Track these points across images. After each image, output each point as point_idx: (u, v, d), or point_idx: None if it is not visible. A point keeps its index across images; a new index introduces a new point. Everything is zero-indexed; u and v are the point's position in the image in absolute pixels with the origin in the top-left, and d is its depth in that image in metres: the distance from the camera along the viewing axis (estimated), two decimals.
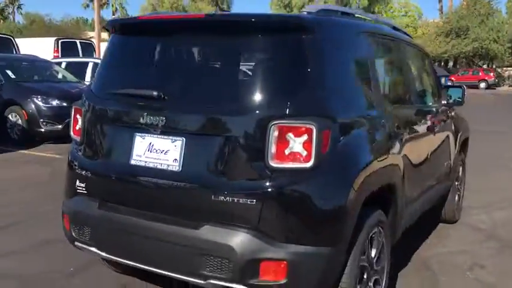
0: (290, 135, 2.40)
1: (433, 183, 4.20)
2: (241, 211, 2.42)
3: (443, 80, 26.40)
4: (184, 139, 2.60)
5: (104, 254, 2.87)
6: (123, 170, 2.77)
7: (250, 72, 2.65)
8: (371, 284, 2.96)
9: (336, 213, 2.49)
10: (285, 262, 2.39)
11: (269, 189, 2.39)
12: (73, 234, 2.96)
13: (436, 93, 4.46)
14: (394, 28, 3.99)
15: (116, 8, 54.88)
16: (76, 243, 2.98)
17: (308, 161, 2.39)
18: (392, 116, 3.16)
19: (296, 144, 2.40)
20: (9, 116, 9.73)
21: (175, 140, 2.61)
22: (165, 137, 2.64)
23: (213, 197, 2.46)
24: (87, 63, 12.85)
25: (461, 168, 5.32)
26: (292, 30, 2.59)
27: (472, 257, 4.32)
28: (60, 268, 3.78)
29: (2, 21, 56.60)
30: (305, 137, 2.39)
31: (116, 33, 3.06)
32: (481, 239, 4.82)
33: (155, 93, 2.64)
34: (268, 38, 2.58)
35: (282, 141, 2.40)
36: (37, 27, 51.14)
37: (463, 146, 5.22)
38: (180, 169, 2.58)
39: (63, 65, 12.71)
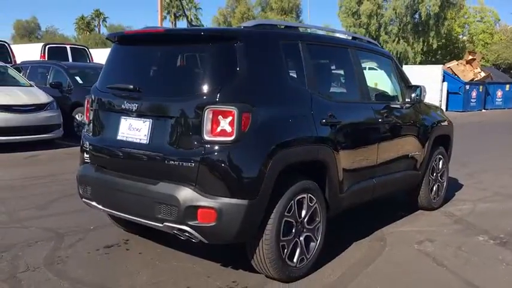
0: (220, 116, 3.32)
1: (390, 171, 4.91)
2: (185, 172, 3.37)
3: (507, 87, 25.81)
4: (151, 120, 3.60)
5: (100, 206, 3.92)
6: (112, 144, 3.82)
7: (195, 71, 3.62)
8: (302, 238, 3.80)
9: (252, 176, 3.36)
10: (214, 209, 3.31)
11: (203, 156, 3.32)
12: (80, 192, 4.05)
13: (399, 92, 5.17)
14: (354, 38, 4.81)
15: (191, 19, 57.60)
16: (83, 199, 4.07)
17: (231, 136, 3.30)
18: (322, 108, 3.96)
19: (224, 123, 3.32)
20: (76, 116, 11.30)
21: (146, 121, 3.62)
22: (140, 118, 3.66)
23: (166, 161, 3.43)
24: None
25: (441, 162, 5.93)
26: (226, 40, 3.52)
27: (428, 235, 4.98)
28: (85, 226, 4.90)
29: (88, 32, 61.10)
30: (230, 118, 3.31)
31: (115, 43, 4.13)
32: (448, 223, 5.44)
33: (131, 86, 3.68)
34: (208, 45, 3.53)
35: (214, 121, 3.32)
36: None
37: (440, 142, 5.86)
38: (148, 142, 3.58)
39: None
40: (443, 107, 22.30)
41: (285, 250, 3.66)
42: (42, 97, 10.33)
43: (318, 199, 3.90)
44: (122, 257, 4.22)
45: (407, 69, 23.22)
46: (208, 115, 3.33)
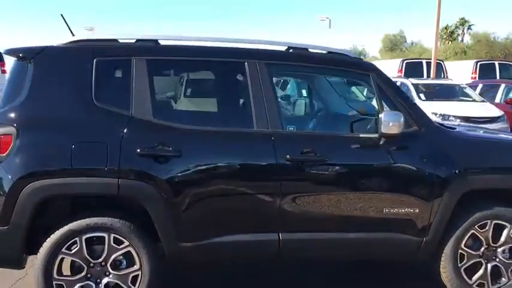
0: None
1: (329, 227, 3.60)
2: None
3: None
4: None
5: None
6: None
7: None
8: (102, 284, 3.29)
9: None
10: None
11: None
12: None
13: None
14: (290, 48, 3.68)
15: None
16: None
17: None
18: (147, 136, 3.29)
19: None
20: None
21: None
22: None
23: None
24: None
25: (505, 231, 3.78)
26: (21, 58, 3.37)
27: None
28: None
29: (449, 42, 59.57)
30: None
31: None
32: None
33: None
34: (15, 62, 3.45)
35: None
36: (479, 46, 51.48)
37: (498, 198, 3.82)
38: None
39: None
40: None
41: None
42: None
43: (131, 242, 3.29)
44: None
45: None
46: None
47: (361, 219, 3.62)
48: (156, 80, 3.49)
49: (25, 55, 3.38)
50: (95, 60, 3.38)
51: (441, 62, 18.54)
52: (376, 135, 3.56)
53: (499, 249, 3.82)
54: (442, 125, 4.16)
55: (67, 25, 3.90)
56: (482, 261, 3.81)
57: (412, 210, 3.63)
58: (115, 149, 3.25)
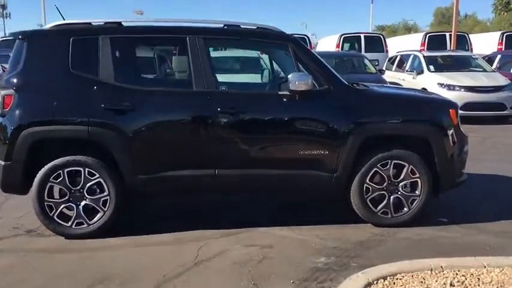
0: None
1: (253, 165, 4.54)
2: None
3: None
4: None
5: None
6: None
7: None
8: (81, 205, 4.43)
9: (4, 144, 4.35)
10: None
11: None
12: None
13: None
14: (226, 25, 4.68)
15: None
16: None
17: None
18: (109, 95, 4.35)
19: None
20: None
21: None
22: None
23: None
24: None
25: (404, 170, 4.63)
26: (20, 39, 4.51)
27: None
28: None
29: (505, 13, 57.39)
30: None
31: None
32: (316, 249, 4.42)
33: None
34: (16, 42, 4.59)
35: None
36: None
37: (402, 144, 4.72)
38: None
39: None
40: None
41: (53, 211, 4.42)
42: None
43: (100, 174, 4.41)
44: None
45: None
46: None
47: (280, 159, 4.58)
48: (118, 52, 4.55)
49: (22, 36, 4.55)
50: (71, 39, 4.49)
51: (465, 35, 18.63)
52: (293, 91, 4.47)
53: (400, 184, 4.68)
54: (356, 84, 4.99)
55: (60, 14, 5.05)
56: (386, 193, 4.69)
57: (322, 152, 4.54)
58: (86, 104, 4.37)
